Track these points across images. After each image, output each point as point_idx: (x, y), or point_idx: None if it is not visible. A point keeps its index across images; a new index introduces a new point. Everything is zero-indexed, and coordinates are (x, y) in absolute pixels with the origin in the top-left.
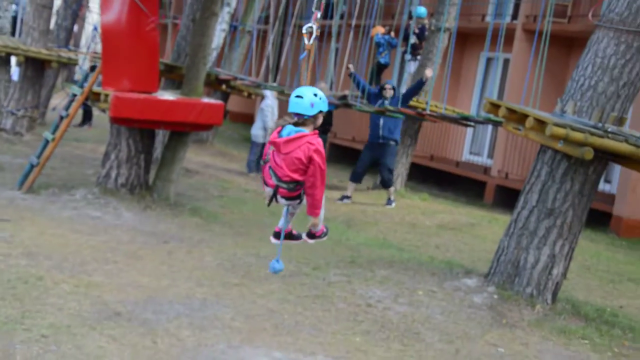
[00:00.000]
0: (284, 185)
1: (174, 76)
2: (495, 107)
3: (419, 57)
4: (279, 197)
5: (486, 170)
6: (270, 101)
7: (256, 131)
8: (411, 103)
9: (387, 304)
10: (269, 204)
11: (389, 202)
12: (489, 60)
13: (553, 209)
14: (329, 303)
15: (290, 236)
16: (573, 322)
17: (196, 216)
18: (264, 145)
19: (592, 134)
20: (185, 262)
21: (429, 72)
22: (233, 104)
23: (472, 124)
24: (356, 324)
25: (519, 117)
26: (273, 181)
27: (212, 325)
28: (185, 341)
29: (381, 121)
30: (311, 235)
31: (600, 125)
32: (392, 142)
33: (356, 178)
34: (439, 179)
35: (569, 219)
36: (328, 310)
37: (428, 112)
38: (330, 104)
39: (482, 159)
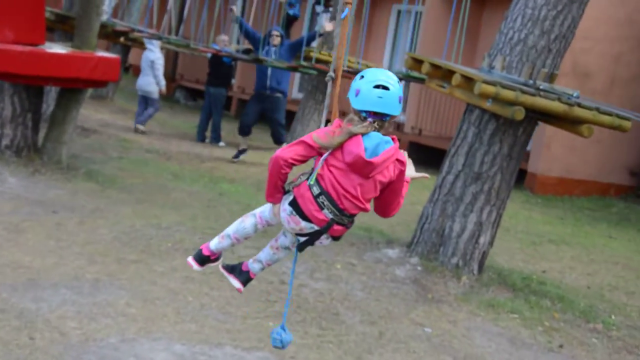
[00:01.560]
0: (346, 220)
1: (66, 27)
2: (417, 62)
3: (330, 9)
4: (323, 238)
5: (399, 126)
6: (159, 54)
7: (151, 87)
8: (325, 57)
9: (302, 280)
10: (302, 249)
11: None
12: (400, 13)
13: (480, 173)
14: None
15: (241, 273)
16: (501, 294)
17: (91, 181)
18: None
19: (523, 92)
20: (75, 236)
21: (328, 26)
22: (136, 58)
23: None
24: (269, 305)
25: (444, 74)
26: (326, 214)
27: (104, 313)
28: (70, 335)
29: (269, 71)
30: None
31: (531, 82)
32: (279, 94)
33: (245, 131)
34: None
35: (497, 184)
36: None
37: (344, 67)
38: (235, 58)
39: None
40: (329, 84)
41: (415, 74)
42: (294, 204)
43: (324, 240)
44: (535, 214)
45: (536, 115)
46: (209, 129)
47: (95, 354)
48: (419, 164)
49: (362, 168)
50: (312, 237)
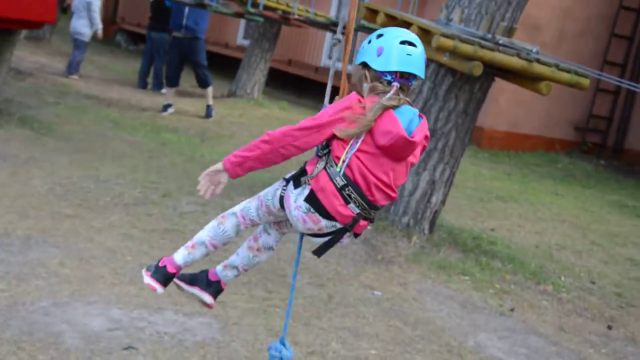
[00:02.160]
0: (373, 213)
1: None
2: (372, 13)
3: None
4: (345, 237)
5: (349, 77)
6: None
7: (83, 29)
8: (274, 5)
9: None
10: (321, 254)
11: (208, 111)
12: None
13: (435, 130)
14: (180, 239)
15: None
16: (452, 254)
17: (25, 127)
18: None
19: (482, 46)
20: (6, 187)
21: None
22: None
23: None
24: (212, 265)
25: (400, 26)
26: (353, 209)
27: (34, 273)
28: None
29: (186, 10)
30: None
31: (490, 36)
32: (196, 37)
33: (173, 82)
34: (298, 84)
35: (452, 141)
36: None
37: (295, 16)
38: (179, 2)
39: (341, 64)
40: (335, 49)
41: (368, 24)
42: (311, 199)
43: (345, 239)
44: (483, 169)
45: (493, 71)
46: (150, 75)
47: (24, 320)
48: None
49: (402, 150)
50: (334, 238)
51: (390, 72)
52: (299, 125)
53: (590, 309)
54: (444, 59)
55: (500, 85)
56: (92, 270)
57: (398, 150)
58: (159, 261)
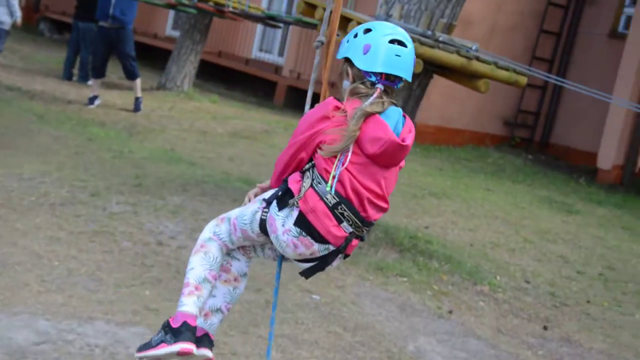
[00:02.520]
0: (366, 230)
1: None
2: (310, 7)
3: None
4: (336, 259)
5: (277, 69)
6: None
7: (3, 17)
8: None
9: (181, 241)
10: (309, 276)
11: (137, 104)
12: None
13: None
14: (110, 242)
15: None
16: (389, 255)
17: None
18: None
19: (422, 43)
20: None
21: None
22: None
23: (280, 24)
24: (145, 270)
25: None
26: (345, 228)
27: None
28: None
29: None
30: None
31: (430, 33)
32: (123, 27)
33: (99, 73)
34: (228, 77)
35: None
36: (110, 252)
37: (230, 9)
38: None
39: (273, 57)
40: (318, 52)
41: (306, 19)
42: (302, 222)
43: (335, 260)
44: (416, 165)
45: (432, 68)
46: (76, 67)
47: None
48: (297, 109)
49: (394, 155)
50: (325, 261)
51: (375, 73)
52: (284, 152)
53: (526, 310)
54: None
55: (431, 81)
56: (17, 277)
57: (390, 156)
58: (168, 324)
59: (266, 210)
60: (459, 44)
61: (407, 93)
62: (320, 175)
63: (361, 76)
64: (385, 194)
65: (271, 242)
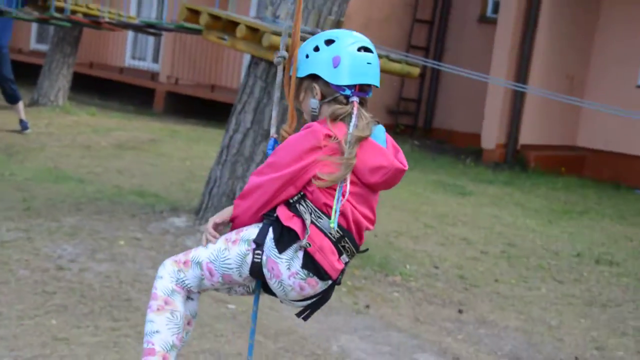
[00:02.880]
0: (354, 255)
1: None
2: (193, 13)
3: None
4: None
5: (154, 76)
6: None
7: None
8: (80, 9)
9: (83, 264)
10: (308, 317)
11: (23, 125)
12: None
13: (270, 130)
14: (6, 272)
15: None
16: None
17: None
18: None
19: None
20: None
21: None
22: None
23: (160, 32)
24: (47, 298)
25: (224, 25)
26: (344, 260)
27: None
28: None
29: None
30: None
31: (319, 30)
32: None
33: None
34: (102, 87)
35: None
36: (6, 283)
37: (106, 19)
38: None
39: (148, 64)
40: (279, 68)
41: (189, 25)
42: (309, 263)
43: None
44: None
45: None
46: None
47: None
48: (178, 114)
49: (394, 181)
50: (326, 296)
51: (348, 86)
52: (263, 184)
53: (439, 295)
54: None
55: None
56: None
57: (390, 182)
58: None
59: (259, 252)
60: None
61: None
62: (319, 209)
63: (331, 92)
64: (370, 218)
65: (250, 284)
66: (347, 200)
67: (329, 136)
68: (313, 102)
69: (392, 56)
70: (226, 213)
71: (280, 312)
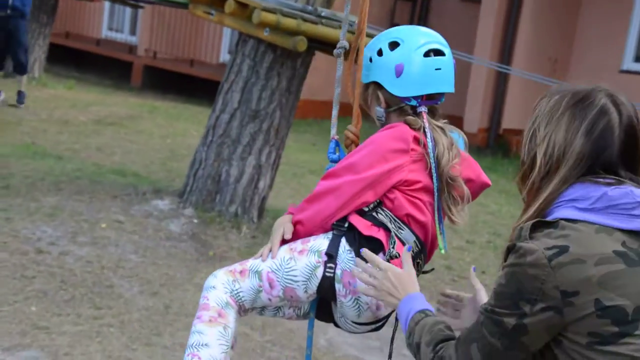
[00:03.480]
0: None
1: None
2: None
3: None
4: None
5: (131, 49)
6: None
7: None
8: None
9: (63, 247)
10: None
11: (20, 98)
12: None
13: (258, 110)
14: None
15: None
16: None
17: None
18: None
19: (305, 20)
20: None
21: None
22: None
23: (140, 4)
24: (27, 283)
25: (212, 0)
26: None
27: None
28: None
29: None
30: None
31: (310, 8)
32: (22, 16)
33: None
34: (78, 59)
35: (277, 122)
36: None
37: None
38: None
39: (125, 36)
40: (339, 61)
41: None
42: None
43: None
44: (289, 141)
45: (315, 45)
46: None
47: None
48: (156, 89)
49: (475, 197)
50: (385, 319)
51: (417, 97)
52: (335, 188)
53: (427, 287)
54: (264, 34)
55: None
56: None
57: (473, 197)
58: None
59: (332, 265)
60: (341, 17)
61: (291, 73)
62: (399, 219)
63: (397, 101)
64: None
65: (304, 305)
66: (430, 213)
67: (417, 139)
68: (379, 111)
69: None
70: (286, 226)
71: None
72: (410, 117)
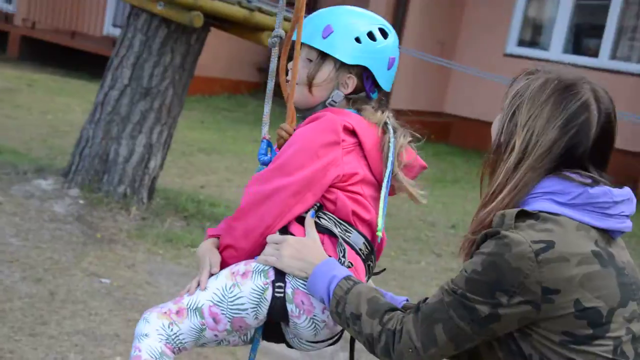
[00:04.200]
0: (370, 277)
1: None
2: None
3: None
4: None
5: (8, 17)
6: None
7: None
8: None
9: None
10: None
11: None
12: None
13: (150, 88)
14: None
15: None
16: (175, 224)
17: None
18: None
19: None
20: None
21: None
22: None
23: None
24: None
25: None
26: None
27: None
28: None
29: None
30: None
31: None
32: None
33: None
34: None
35: (169, 100)
36: None
37: None
38: None
39: (1, 4)
40: (273, 51)
41: None
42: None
43: None
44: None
45: (212, 21)
46: None
47: None
48: (35, 61)
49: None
50: (341, 333)
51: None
52: (265, 196)
53: None
54: (158, 8)
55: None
56: None
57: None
58: None
59: (281, 284)
60: None
61: (186, 49)
62: (345, 221)
63: (362, 91)
64: None
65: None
66: (373, 208)
67: (347, 129)
68: (337, 94)
69: (264, 8)
70: (212, 257)
71: (157, 287)
72: (370, 108)
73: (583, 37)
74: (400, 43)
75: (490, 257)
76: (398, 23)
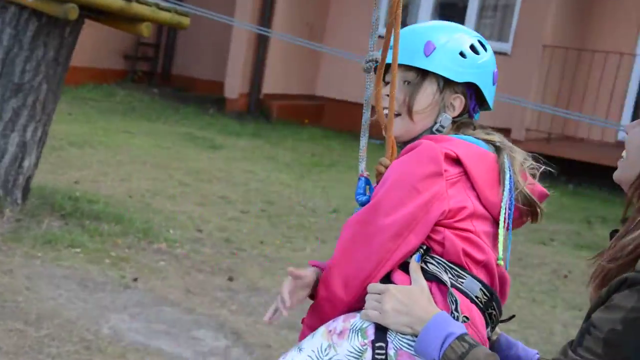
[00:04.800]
0: (496, 326)
1: None
2: None
3: None
4: None
5: None
6: None
7: None
8: None
9: None
10: None
11: None
12: None
13: (22, 84)
14: None
15: None
16: (53, 224)
17: None
18: None
19: None
20: None
21: None
22: None
23: None
24: None
25: None
26: (488, 334)
27: None
28: None
29: None
30: None
31: None
32: None
33: None
34: None
35: (43, 96)
36: None
37: None
38: None
39: None
40: (368, 77)
41: None
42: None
43: None
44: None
45: (85, 13)
46: None
47: None
48: None
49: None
50: None
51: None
52: (361, 241)
53: (208, 262)
54: (29, 1)
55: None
56: None
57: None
58: None
59: (381, 344)
60: None
61: (59, 42)
62: (456, 264)
63: (468, 112)
64: None
65: None
66: (489, 246)
67: (449, 157)
68: (446, 119)
69: (162, 5)
70: (309, 277)
71: (38, 292)
72: (480, 130)
73: (447, 17)
74: (270, 26)
75: (633, 313)
76: (267, 6)
